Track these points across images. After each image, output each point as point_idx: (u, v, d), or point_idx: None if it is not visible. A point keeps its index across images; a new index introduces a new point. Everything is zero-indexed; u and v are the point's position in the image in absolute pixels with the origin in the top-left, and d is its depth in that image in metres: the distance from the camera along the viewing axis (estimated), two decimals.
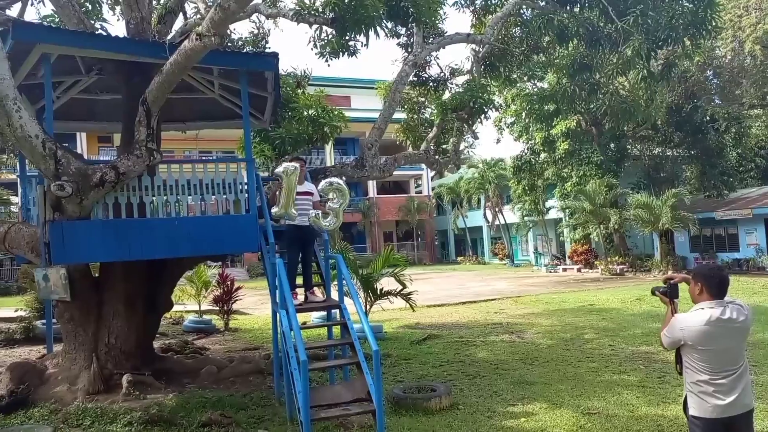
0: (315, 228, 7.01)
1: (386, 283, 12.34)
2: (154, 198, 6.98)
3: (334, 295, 7.70)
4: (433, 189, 47.61)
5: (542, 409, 6.61)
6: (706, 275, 3.54)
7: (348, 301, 6.97)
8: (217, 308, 14.00)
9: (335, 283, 7.74)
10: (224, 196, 7.33)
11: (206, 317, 14.07)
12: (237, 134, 16.08)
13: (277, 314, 6.54)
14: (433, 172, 46.69)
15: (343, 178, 8.26)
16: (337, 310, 6.92)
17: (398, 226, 46.19)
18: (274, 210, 6.92)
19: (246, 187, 7.53)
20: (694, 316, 3.47)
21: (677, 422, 5.86)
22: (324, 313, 8.22)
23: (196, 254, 7.70)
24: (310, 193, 7.22)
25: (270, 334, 12.85)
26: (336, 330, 7.93)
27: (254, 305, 18.27)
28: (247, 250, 7.66)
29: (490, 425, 6.13)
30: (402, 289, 12.17)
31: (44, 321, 12.47)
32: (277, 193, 6.95)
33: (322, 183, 6.94)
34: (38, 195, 6.60)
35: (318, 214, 6.79)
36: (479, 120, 11.11)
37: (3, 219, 8.42)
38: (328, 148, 39.27)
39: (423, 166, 44.80)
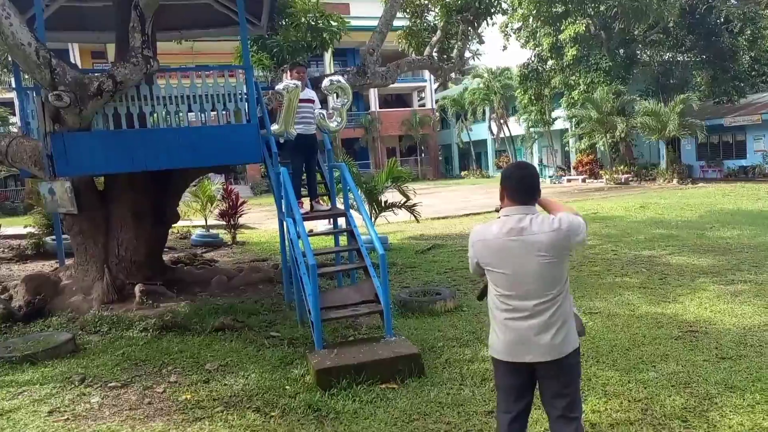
0: (320, 132, 6.94)
1: (390, 197, 12.38)
2: (154, 108, 6.83)
3: (339, 205, 7.74)
4: (436, 102, 46.74)
5: None
6: (504, 175, 2.78)
7: (353, 213, 7.02)
8: (224, 223, 14.16)
9: (340, 195, 7.77)
10: (224, 106, 7.17)
11: (213, 232, 14.25)
12: (232, 48, 15.58)
13: (284, 223, 6.59)
14: (437, 85, 45.66)
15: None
16: (343, 218, 6.97)
17: (401, 141, 45.74)
18: (274, 127, 6.84)
19: (246, 96, 7.36)
20: (485, 228, 2.77)
21: (676, 319, 6.03)
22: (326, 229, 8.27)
23: (198, 165, 7.64)
24: (312, 101, 7.08)
25: (276, 246, 13.11)
26: (342, 239, 8.04)
27: (260, 220, 18.48)
28: (250, 160, 7.60)
29: None
30: (406, 201, 12.23)
31: (54, 237, 12.69)
32: (278, 109, 6.82)
33: (325, 81, 6.80)
34: (37, 106, 6.47)
35: (323, 114, 6.69)
36: (485, 22, 10.67)
37: (3, 133, 8.33)
38: (328, 58, 38.18)
39: (426, 77, 43.88)
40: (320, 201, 7.32)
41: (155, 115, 7.06)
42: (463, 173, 45.89)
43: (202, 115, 7.33)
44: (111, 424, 4.25)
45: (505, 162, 42.17)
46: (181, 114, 7.14)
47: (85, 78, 6.36)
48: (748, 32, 25.88)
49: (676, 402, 4.07)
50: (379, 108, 44.05)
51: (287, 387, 4.79)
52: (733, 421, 3.73)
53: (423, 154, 46.79)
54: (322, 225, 11.58)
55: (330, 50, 12.18)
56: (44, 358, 5.79)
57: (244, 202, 14.28)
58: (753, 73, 28.44)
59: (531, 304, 2.67)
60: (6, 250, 13.15)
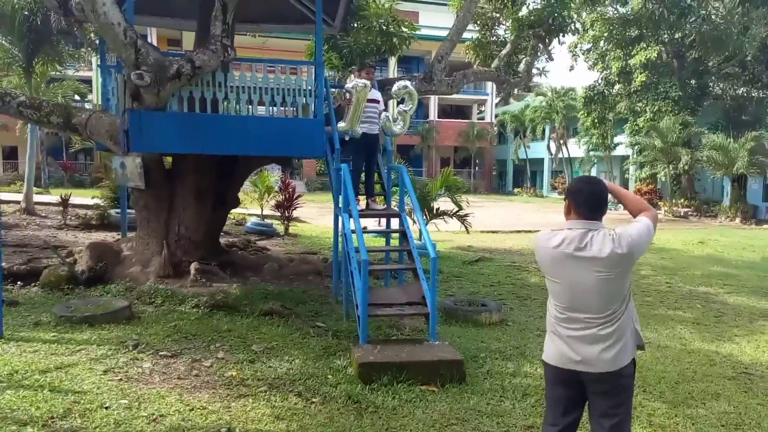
0: (383, 134, 7.04)
1: (442, 205, 12.40)
2: (227, 95, 7.08)
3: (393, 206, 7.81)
4: (496, 116, 46.35)
5: None
6: (572, 189, 2.79)
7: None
8: (278, 214, 14.49)
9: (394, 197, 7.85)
10: (293, 100, 7.35)
11: (267, 221, 14.59)
12: (302, 46, 15.91)
13: (339, 218, 6.71)
14: (498, 99, 45.31)
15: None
16: (397, 219, 7.05)
17: (456, 152, 45.57)
18: (341, 125, 6.97)
19: (314, 92, 7.53)
20: (549, 237, 2.78)
21: (731, 359, 5.82)
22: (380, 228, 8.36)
23: (265, 154, 7.87)
24: (377, 101, 7.20)
25: (327, 241, 13.33)
26: (392, 240, 8.11)
27: (312, 216, 18.79)
28: (313, 154, 7.78)
29: (538, 342, 6.23)
30: (458, 211, 12.22)
31: (118, 210, 13.28)
32: (345, 107, 6.96)
33: (396, 85, 6.90)
34: (119, 83, 6.82)
35: (389, 117, 6.79)
36: (557, 39, 10.57)
37: (84, 108, 8.83)
38: (392, 65, 38.45)
39: (488, 91, 43.62)
40: (376, 200, 7.41)
41: (227, 102, 7.31)
42: (516, 190, 45.34)
43: (272, 108, 7.53)
44: (160, 390, 4.43)
45: (560, 183, 41.45)
46: (252, 104, 7.37)
47: (166, 60, 6.66)
48: None
49: None
50: (438, 117, 44.03)
51: (329, 376, 4.89)
52: None
53: (477, 167, 46.48)
54: (372, 224, 11.70)
55: (396, 56, 12.28)
56: (102, 321, 6.08)
57: (300, 196, 14.57)
58: None
59: (586, 316, 2.67)
60: (73, 218, 13.85)
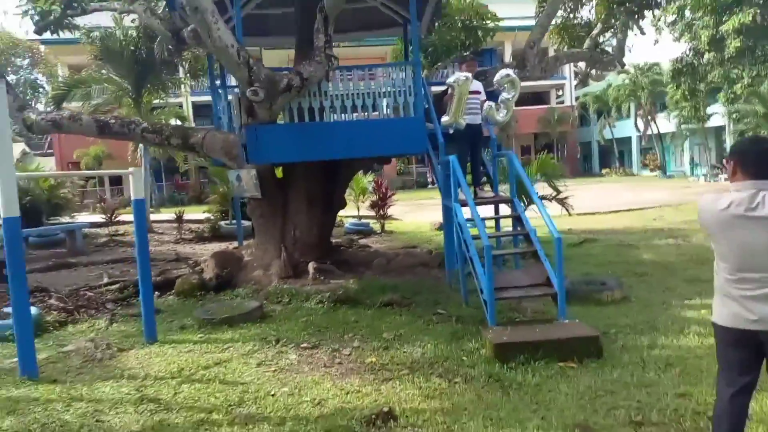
0: (487, 123, 7.15)
1: (539, 189, 12.26)
2: (333, 103, 7.44)
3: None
4: (576, 99, 44.95)
5: None
6: (740, 150, 2.79)
7: None
8: (373, 213, 14.90)
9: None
10: (394, 100, 7.62)
11: (364, 221, 15.05)
12: (379, 52, 16.30)
13: (451, 209, 6.88)
14: (576, 81, 43.95)
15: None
16: (508, 204, 7.14)
17: (537, 139, 44.58)
18: (444, 119, 7.13)
19: (413, 91, 7.75)
20: (715, 200, 2.77)
21: None
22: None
23: (370, 155, 8.21)
24: (479, 92, 7.32)
25: (422, 235, 13.62)
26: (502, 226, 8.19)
27: (400, 214, 19.10)
28: (416, 151, 8.02)
29: (667, 315, 6.13)
30: (557, 194, 12.06)
31: (227, 221, 14.16)
32: (448, 102, 7.12)
33: (498, 74, 7.00)
34: (234, 102, 7.33)
35: (492, 106, 6.90)
36: (652, 13, 10.24)
37: (199, 128, 9.59)
38: None
39: (566, 75, 42.40)
40: (483, 188, 7.53)
41: (332, 110, 7.68)
42: (603, 171, 43.78)
43: (374, 111, 7.84)
44: (314, 377, 4.78)
45: (652, 160, 39.66)
46: (356, 109, 7.70)
47: (276, 75, 7.10)
48: None
49: None
50: (515, 106, 43.27)
51: (464, 358, 5.05)
52: None
53: (560, 152, 45.26)
54: (482, 212, 11.79)
55: (481, 46, 12.34)
56: (239, 321, 6.57)
57: (393, 194, 14.90)
58: None
59: (759, 275, 2.66)
60: (186, 232, 14.89)
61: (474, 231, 6.18)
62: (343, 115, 7.56)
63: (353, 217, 15.56)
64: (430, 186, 36.30)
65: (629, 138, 42.57)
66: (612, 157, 44.33)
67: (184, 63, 15.19)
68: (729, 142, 30.34)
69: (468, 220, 6.24)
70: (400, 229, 15.17)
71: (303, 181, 8.76)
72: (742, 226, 2.66)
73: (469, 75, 6.81)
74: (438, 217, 15.19)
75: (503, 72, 7.04)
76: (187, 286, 8.37)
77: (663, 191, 24.31)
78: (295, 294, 7.61)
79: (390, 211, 15.95)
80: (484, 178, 7.80)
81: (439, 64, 11.00)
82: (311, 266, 8.36)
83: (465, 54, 8.71)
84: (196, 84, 21.33)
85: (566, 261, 9.48)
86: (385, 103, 7.65)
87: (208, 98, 11.62)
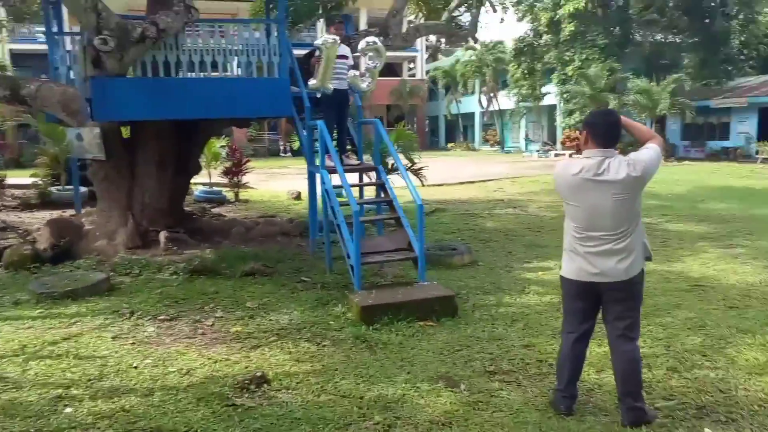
0: (351, 90, 7.15)
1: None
2: (191, 57, 6.98)
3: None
4: (427, 72, 46.56)
5: (557, 265, 7.16)
6: (592, 121, 3.12)
7: None
8: (226, 180, 14.33)
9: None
10: (258, 59, 7.33)
11: (216, 188, 14.41)
12: (230, 8, 15.43)
13: (316, 175, 6.84)
14: (427, 55, 45.45)
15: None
16: (370, 173, 7.27)
17: (389, 111, 45.62)
18: (311, 82, 6.97)
19: (278, 51, 7.50)
20: (568, 166, 3.10)
21: (683, 276, 6.49)
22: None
23: (231, 116, 7.83)
24: (346, 57, 7.27)
25: (279, 204, 13.43)
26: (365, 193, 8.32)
27: (255, 182, 18.59)
28: (280, 114, 7.80)
29: (510, 277, 6.72)
30: (412, 166, 12.53)
31: (59, 187, 12.79)
32: (315, 64, 6.97)
33: (362, 42, 6.98)
34: (78, 51, 6.58)
35: (356, 74, 6.90)
36: None
37: (31, 78, 8.31)
38: (320, 26, 37.78)
39: (418, 48, 43.65)
40: (349, 155, 7.58)
41: (190, 65, 7.20)
42: (449, 145, 46.08)
43: (237, 68, 7.48)
44: (177, 348, 4.56)
45: (492, 136, 42.51)
46: (216, 67, 7.28)
47: (129, 24, 6.48)
48: (742, 16, 26.39)
49: (694, 341, 4.53)
50: None
51: (331, 322, 5.14)
52: (749, 356, 4.19)
53: (410, 125, 46.76)
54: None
55: (343, 9, 12.24)
56: (84, 294, 6.03)
57: (248, 161, 14.43)
58: (742, 57, 29.06)
59: (603, 234, 3.03)
60: (9, 199, 13.19)
61: (341, 198, 6.23)
62: (201, 73, 7.11)
63: (204, 184, 14.82)
64: (281, 155, 35.69)
65: (473, 114, 45.15)
66: (457, 132, 46.80)
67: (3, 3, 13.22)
68: (560, 120, 33.47)
69: (335, 186, 6.24)
70: (256, 198, 14.78)
71: (153, 141, 8.15)
72: (590, 189, 3.01)
73: (337, 38, 6.72)
74: (294, 185, 15.12)
75: (369, 39, 7.05)
76: (18, 258, 7.47)
77: (502, 165, 26.26)
78: (145, 265, 7.15)
79: (244, 179, 15.45)
80: (349, 146, 7.85)
81: (300, 25, 10.74)
82: (162, 235, 7.89)
83: (333, 15, 8.55)
84: (17, 30, 18.69)
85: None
86: (246, 62, 7.29)
87: (32, 46, 10.26)
